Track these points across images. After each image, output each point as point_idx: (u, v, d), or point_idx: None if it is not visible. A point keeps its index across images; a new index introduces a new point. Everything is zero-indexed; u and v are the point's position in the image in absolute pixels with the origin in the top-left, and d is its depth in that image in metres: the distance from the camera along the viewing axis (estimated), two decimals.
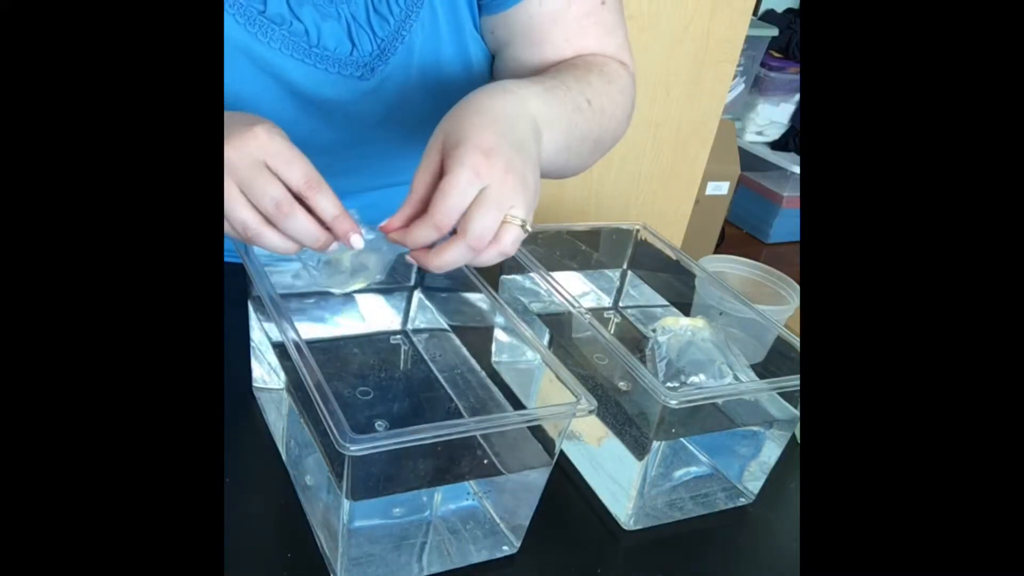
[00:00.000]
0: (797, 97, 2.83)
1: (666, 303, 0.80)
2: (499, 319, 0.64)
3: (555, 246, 0.77)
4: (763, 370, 0.67)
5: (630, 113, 0.75)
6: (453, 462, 0.53)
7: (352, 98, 0.71)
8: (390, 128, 0.75)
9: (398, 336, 0.71)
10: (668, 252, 0.78)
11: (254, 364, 0.66)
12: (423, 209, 0.52)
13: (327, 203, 0.52)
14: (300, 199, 0.52)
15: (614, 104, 0.70)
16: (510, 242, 0.53)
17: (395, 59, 0.70)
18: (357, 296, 0.71)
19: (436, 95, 0.74)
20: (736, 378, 0.63)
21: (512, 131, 0.54)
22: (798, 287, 0.79)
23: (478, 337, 0.67)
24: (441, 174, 0.52)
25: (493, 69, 0.77)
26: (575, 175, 0.73)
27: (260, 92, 0.67)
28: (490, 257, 0.53)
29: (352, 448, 0.43)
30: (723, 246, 2.59)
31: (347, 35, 0.69)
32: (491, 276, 0.66)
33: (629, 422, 0.60)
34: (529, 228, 0.53)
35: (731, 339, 0.67)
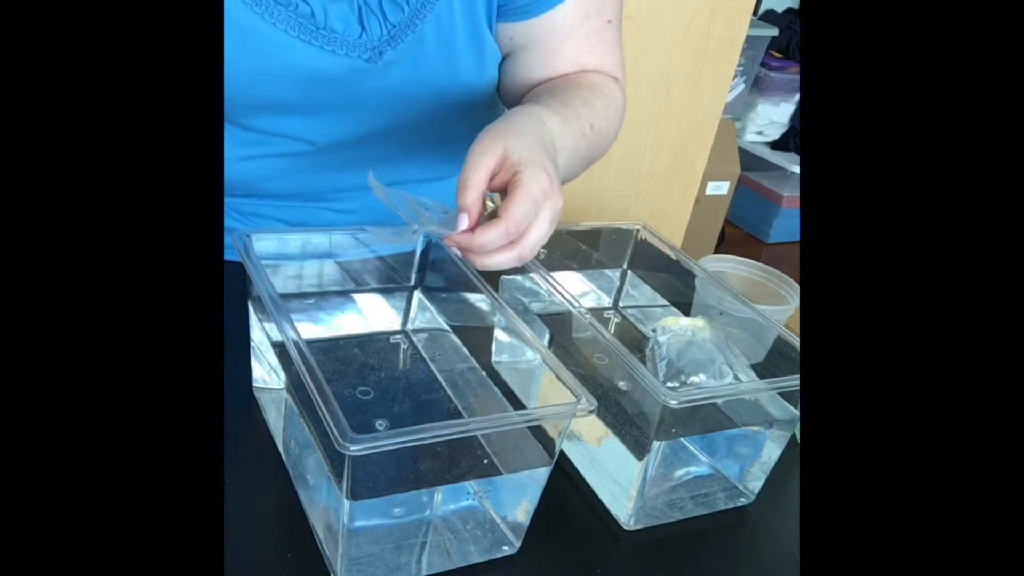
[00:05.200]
0: (797, 97, 2.83)
1: (666, 303, 0.80)
2: (499, 319, 0.64)
3: (555, 246, 0.77)
4: (763, 370, 0.67)
5: (620, 130, 0.79)
6: (453, 462, 0.53)
7: (357, 80, 0.71)
8: (394, 117, 0.75)
9: (398, 336, 0.71)
10: (668, 252, 0.78)
11: (254, 364, 0.66)
12: (481, 209, 0.55)
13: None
14: None
15: (609, 126, 0.74)
16: (531, 259, 0.57)
17: (404, 46, 0.70)
18: (357, 296, 0.71)
19: (445, 91, 0.74)
20: (736, 378, 0.63)
21: (556, 162, 0.59)
22: (798, 287, 0.79)
23: (478, 337, 0.67)
24: (492, 178, 0.55)
25: (500, 69, 0.77)
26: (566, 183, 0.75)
27: (266, 73, 0.68)
28: (509, 266, 0.57)
29: (352, 448, 0.43)
30: (723, 246, 2.59)
31: (357, 18, 0.69)
32: (491, 276, 0.66)
33: (629, 422, 0.60)
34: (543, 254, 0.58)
35: (731, 339, 0.67)
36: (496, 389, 0.65)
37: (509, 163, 0.55)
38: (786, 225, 2.90)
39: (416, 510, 0.52)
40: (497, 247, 0.54)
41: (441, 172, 0.84)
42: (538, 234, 0.55)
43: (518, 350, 0.63)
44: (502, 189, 0.56)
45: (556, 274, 0.67)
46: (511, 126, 0.58)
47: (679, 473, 0.62)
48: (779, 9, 2.89)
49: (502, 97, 0.81)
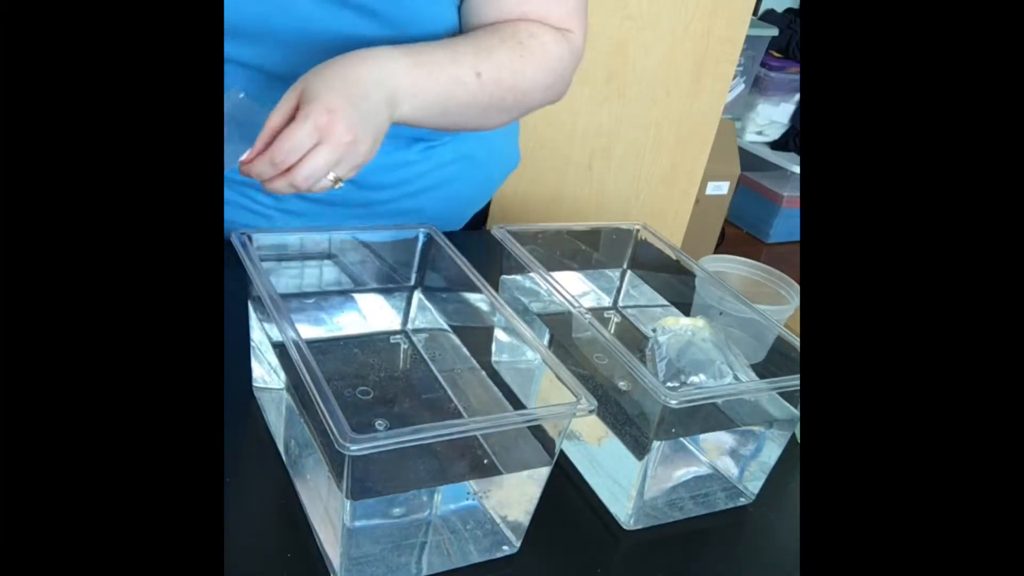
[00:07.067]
0: (797, 97, 2.83)
1: (666, 303, 0.80)
2: (499, 319, 0.64)
3: (555, 246, 0.77)
4: (763, 370, 0.67)
5: (553, 82, 0.79)
6: (453, 462, 0.53)
7: (299, 10, 0.71)
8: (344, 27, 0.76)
9: (398, 336, 0.71)
10: (668, 252, 0.78)
11: (254, 364, 0.66)
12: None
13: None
14: None
15: (519, 77, 0.74)
16: (319, 188, 0.62)
17: None
18: (357, 296, 0.71)
19: (400, 30, 0.75)
20: (736, 378, 0.63)
21: (364, 99, 0.62)
22: (798, 287, 0.79)
23: (478, 337, 0.67)
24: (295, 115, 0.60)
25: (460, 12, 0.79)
26: (484, 130, 0.79)
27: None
28: (286, 191, 0.63)
29: (352, 448, 0.43)
30: (723, 246, 2.59)
31: None
32: (491, 276, 0.66)
33: (629, 422, 0.60)
34: (341, 185, 0.63)
35: (731, 339, 0.67)
36: (496, 389, 0.65)
37: (303, 101, 0.60)
38: (786, 225, 2.90)
39: (416, 510, 0.52)
40: (271, 176, 0.59)
41: None
42: (312, 166, 0.59)
43: (518, 350, 0.63)
44: None
45: (556, 274, 0.67)
46: (327, 66, 0.63)
47: (679, 473, 0.62)
48: (779, 9, 2.89)
49: None
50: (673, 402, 0.53)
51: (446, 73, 0.69)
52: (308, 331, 0.68)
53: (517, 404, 0.64)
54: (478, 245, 0.93)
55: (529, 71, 0.75)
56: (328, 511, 0.52)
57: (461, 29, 0.79)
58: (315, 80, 0.61)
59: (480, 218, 1.00)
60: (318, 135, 0.59)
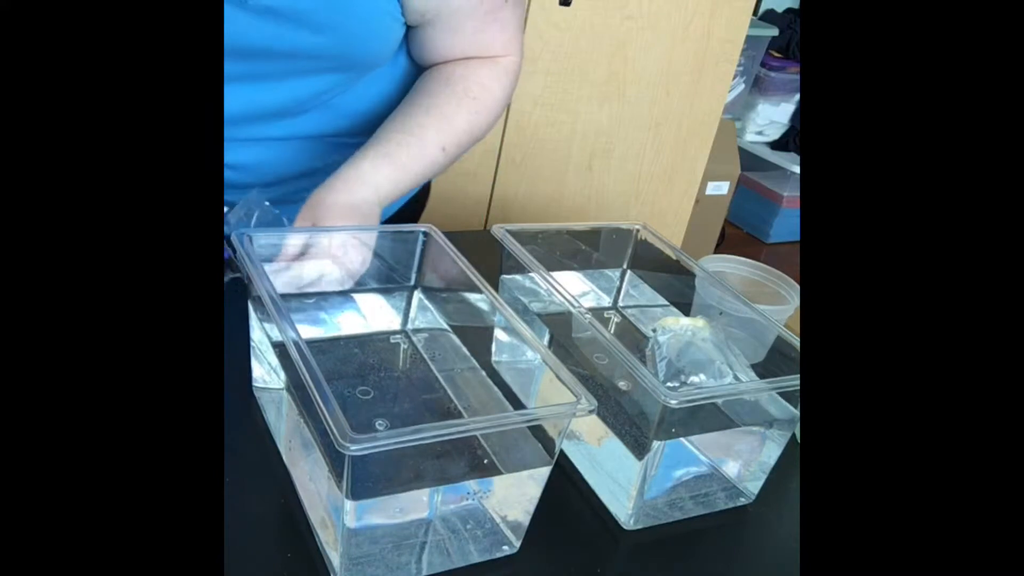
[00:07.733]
0: (797, 97, 2.83)
1: (666, 303, 0.80)
2: (499, 319, 0.64)
3: (555, 246, 0.77)
4: (763, 370, 0.67)
5: (500, 115, 0.88)
6: (453, 462, 0.53)
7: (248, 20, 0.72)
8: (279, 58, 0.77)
9: (398, 336, 0.71)
10: (668, 252, 0.78)
11: (254, 364, 0.66)
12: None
13: None
14: None
15: (476, 130, 0.84)
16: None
17: None
18: (357, 296, 0.71)
19: (329, 50, 0.77)
20: (736, 378, 0.63)
21: (367, 217, 0.72)
22: (798, 287, 0.79)
23: (478, 337, 0.67)
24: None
25: (409, 39, 0.83)
26: None
27: None
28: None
29: (352, 448, 0.43)
30: (723, 246, 2.59)
31: None
32: (491, 276, 0.66)
33: (629, 422, 0.60)
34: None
35: (731, 339, 0.67)
36: (496, 389, 0.65)
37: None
38: (786, 225, 2.90)
39: (416, 510, 0.52)
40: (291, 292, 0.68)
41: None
42: (328, 288, 0.69)
43: (518, 350, 0.63)
44: None
45: (556, 274, 0.67)
46: (330, 195, 0.72)
47: (679, 473, 0.62)
48: (779, 9, 2.89)
49: (416, 63, 0.87)
50: (673, 402, 0.53)
51: (419, 164, 0.79)
52: (308, 331, 0.68)
53: (517, 404, 0.64)
54: (478, 245, 0.93)
55: (483, 122, 0.84)
56: (328, 511, 0.52)
57: (414, 61, 0.86)
58: (324, 211, 0.70)
59: (416, 206, 1.04)
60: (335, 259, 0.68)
